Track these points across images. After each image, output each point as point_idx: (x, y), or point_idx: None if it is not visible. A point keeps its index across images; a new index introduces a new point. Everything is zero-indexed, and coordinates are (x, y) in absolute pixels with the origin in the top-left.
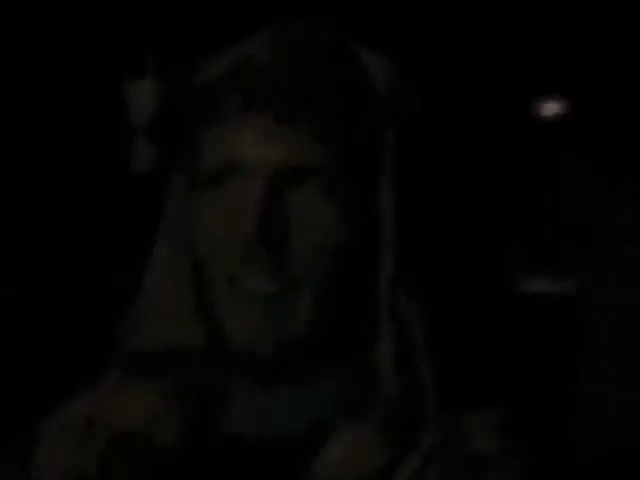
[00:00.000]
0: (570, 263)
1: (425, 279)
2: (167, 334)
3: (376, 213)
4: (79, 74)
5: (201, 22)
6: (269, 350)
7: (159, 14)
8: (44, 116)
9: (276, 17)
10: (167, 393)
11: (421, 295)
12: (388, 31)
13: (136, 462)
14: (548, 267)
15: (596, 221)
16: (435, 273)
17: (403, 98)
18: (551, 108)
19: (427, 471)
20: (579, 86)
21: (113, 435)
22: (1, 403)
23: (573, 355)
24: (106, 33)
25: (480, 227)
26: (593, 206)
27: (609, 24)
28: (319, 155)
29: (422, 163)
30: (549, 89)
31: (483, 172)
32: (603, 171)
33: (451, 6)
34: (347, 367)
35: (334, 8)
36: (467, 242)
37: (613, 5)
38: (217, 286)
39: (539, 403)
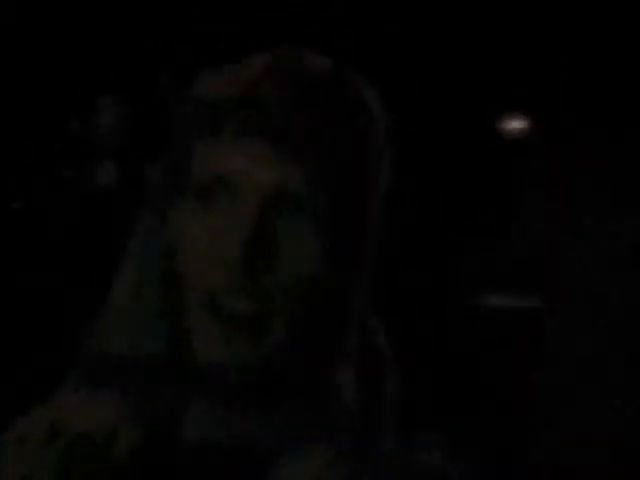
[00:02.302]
0: (529, 280)
1: (390, 300)
2: (129, 342)
3: (357, 244)
4: (49, 88)
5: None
6: (231, 373)
7: (133, 34)
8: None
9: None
10: (126, 400)
11: (385, 315)
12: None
13: (95, 469)
14: (507, 284)
15: (554, 240)
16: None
17: (388, 132)
18: (514, 126)
19: None
20: (542, 105)
21: (73, 442)
22: None
23: (529, 371)
24: (78, 51)
25: (444, 244)
26: (552, 224)
27: (576, 45)
28: (309, 186)
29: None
30: (511, 107)
31: (448, 192)
32: (563, 188)
33: (420, 26)
34: (310, 391)
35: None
36: (431, 260)
37: (577, 24)
38: (192, 301)
39: (495, 421)
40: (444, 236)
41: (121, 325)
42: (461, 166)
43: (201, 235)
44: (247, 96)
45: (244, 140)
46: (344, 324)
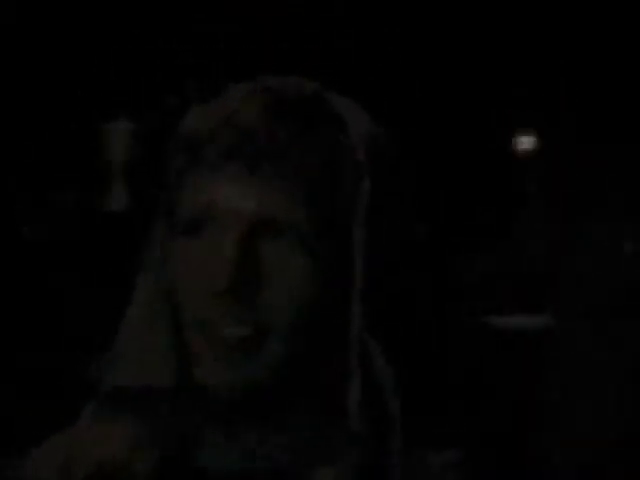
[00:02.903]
0: (535, 299)
1: (394, 317)
2: (141, 372)
3: (347, 264)
4: (57, 115)
5: (177, 66)
6: (236, 395)
7: (137, 56)
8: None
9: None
10: (142, 429)
11: (390, 336)
12: (360, 70)
13: None
14: (513, 303)
15: (561, 257)
16: (404, 311)
17: (380, 150)
18: (520, 144)
19: None
20: (548, 124)
21: (91, 470)
22: None
23: (535, 390)
24: (83, 75)
25: (447, 264)
26: (557, 243)
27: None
28: (292, 209)
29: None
30: (519, 125)
31: (451, 209)
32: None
33: (425, 42)
34: (315, 409)
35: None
36: (435, 279)
37: (584, 42)
38: (190, 329)
39: (500, 440)
40: (445, 253)
41: (132, 358)
42: (460, 177)
43: (191, 267)
44: (225, 123)
45: (224, 167)
46: (344, 340)
